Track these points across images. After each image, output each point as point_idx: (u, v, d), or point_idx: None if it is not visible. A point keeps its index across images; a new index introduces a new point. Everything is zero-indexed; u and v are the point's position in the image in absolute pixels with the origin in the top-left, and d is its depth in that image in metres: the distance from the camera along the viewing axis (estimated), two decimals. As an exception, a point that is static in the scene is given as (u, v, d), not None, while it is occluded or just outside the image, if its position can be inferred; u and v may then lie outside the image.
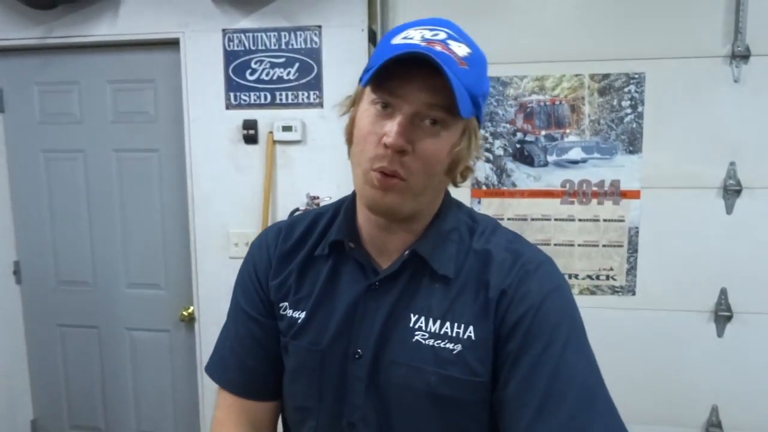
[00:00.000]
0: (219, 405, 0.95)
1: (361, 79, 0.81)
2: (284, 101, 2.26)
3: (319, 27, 2.21)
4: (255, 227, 2.32)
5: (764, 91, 1.98)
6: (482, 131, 2.11)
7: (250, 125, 2.27)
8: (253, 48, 2.25)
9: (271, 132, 2.26)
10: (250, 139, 2.28)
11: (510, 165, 2.15)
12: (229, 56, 2.27)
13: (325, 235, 0.89)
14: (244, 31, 2.25)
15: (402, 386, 0.80)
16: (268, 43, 2.24)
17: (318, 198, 2.23)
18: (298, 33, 2.22)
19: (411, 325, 0.81)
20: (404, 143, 0.73)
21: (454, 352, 0.79)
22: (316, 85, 2.23)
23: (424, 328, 0.80)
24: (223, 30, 2.26)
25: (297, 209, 2.24)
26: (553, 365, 0.74)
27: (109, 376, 2.63)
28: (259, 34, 2.24)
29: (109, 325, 2.60)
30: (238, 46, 2.26)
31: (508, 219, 2.14)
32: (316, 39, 2.21)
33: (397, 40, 0.75)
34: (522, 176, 2.14)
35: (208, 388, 2.46)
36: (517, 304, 0.78)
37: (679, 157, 2.04)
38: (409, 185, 0.76)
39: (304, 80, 2.24)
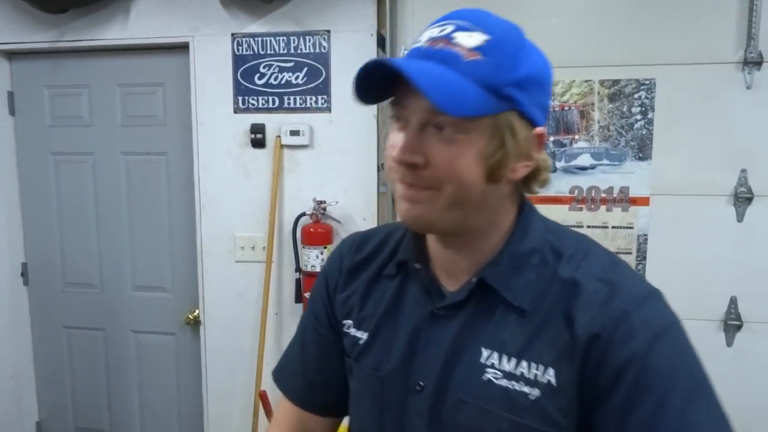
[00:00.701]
0: (281, 406, 0.94)
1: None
2: (292, 105, 2.26)
3: (328, 32, 2.21)
4: (261, 231, 2.32)
5: (776, 98, 1.96)
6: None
7: (257, 129, 2.27)
8: (261, 52, 2.26)
9: (279, 136, 2.26)
10: (258, 143, 2.28)
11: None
12: (238, 60, 2.28)
13: (395, 253, 0.83)
14: (253, 35, 2.26)
15: (469, 427, 0.72)
16: (276, 48, 2.25)
17: (325, 203, 2.22)
18: (307, 38, 2.22)
19: (482, 360, 0.72)
20: (409, 156, 0.67)
21: (531, 397, 0.68)
22: (324, 89, 2.23)
23: (497, 366, 0.71)
24: (233, 34, 2.27)
25: (303, 213, 2.24)
26: (673, 425, 0.62)
27: (115, 379, 2.64)
28: (268, 39, 2.25)
29: (116, 328, 2.60)
30: (246, 51, 2.27)
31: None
32: (324, 44, 2.21)
33: (414, 43, 0.71)
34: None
35: (213, 392, 2.46)
36: (617, 350, 0.65)
37: (689, 164, 2.02)
38: (439, 196, 0.68)
39: (312, 85, 2.24)
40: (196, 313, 2.46)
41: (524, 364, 0.69)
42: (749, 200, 2.00)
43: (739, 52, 1.96)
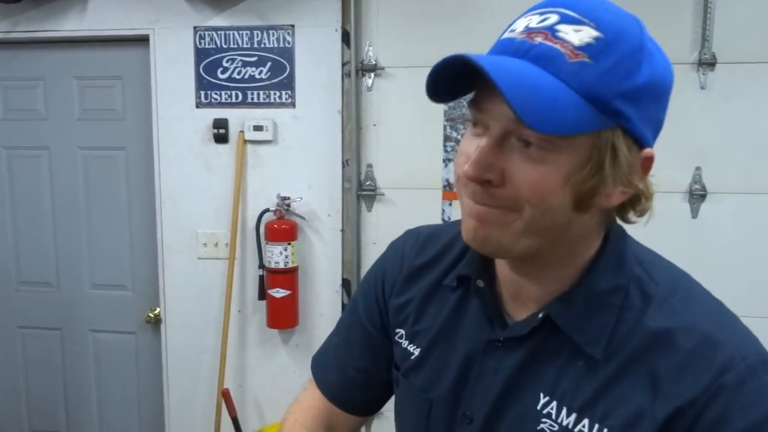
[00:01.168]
0: (308, 391, 0.89)
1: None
2: (256, 100, 2.23)
3: (292, 26, 2.19)
4: (224, 228, 2.29)
5: (729, 98, 2.02)
6: (457, 134, 2.11)
7: (220, 124, 2.24)
8: (224, 46, 2.23)
9: (242, 131, 2.23)
10: (221, 138, 2.25)
11: (481, 168, 2.15)
12: (200, 54, 2.24)
13: (458, 260, 0.74)
14: (215, 29, 2.22)
15: None
16: (240, 42, 2.22)
17: (289, 199, 2.21)
18: (271, 32, 2.20)
19: (538, 407, 0.63)
20: (482, 173, 0.56)
21: None
22: (288, 84, 2.21)
23: (554, 417, 0.62)
24: (195, 27, 2.23)
25: (267, 210, 2.22)
26: None
27: (72, 379, 2.56)
28: (231, 33, 2.22)
29: (73, 327, 2.53)
30: (209, 44, 2.23)
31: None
32: (289, 38, 2.20)
33: (505, 33, 0.59)
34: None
35: (174, 391, 2.42)
36: (705, 430, 0.55)
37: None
38: (516, 218, 0.57)
39: (276, 80, 2.21)
40: (156, 311, 2.41)
41: (586, 422, 0.60)
42: (703, 197, 2.06)
43: (694, 53, 2.01)
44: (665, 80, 0.58)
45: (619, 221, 0.65)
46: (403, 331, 0.78)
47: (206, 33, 2.23)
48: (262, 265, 2.23)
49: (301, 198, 2.23)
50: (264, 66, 2.22)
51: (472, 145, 0.58)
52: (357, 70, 2.16)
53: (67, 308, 2.52)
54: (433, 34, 2.12)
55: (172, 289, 2.36)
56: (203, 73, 2.25)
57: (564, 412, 0.61)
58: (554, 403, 0.62)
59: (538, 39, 0.54)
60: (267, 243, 2.19)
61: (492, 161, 0.56)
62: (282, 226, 2.18)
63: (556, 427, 0.61)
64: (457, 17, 2.11)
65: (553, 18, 0.54)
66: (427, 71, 2.13)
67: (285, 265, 2.17)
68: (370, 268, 0.87)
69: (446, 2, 2.11)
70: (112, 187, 2.43)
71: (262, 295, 2.24)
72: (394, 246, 0.84)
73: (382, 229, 2.24)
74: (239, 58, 2.23)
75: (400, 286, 0.79)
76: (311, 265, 2.29)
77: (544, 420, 0.62)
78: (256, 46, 2.22)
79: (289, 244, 2.18)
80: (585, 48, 0.53)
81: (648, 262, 0.64)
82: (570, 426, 0.60)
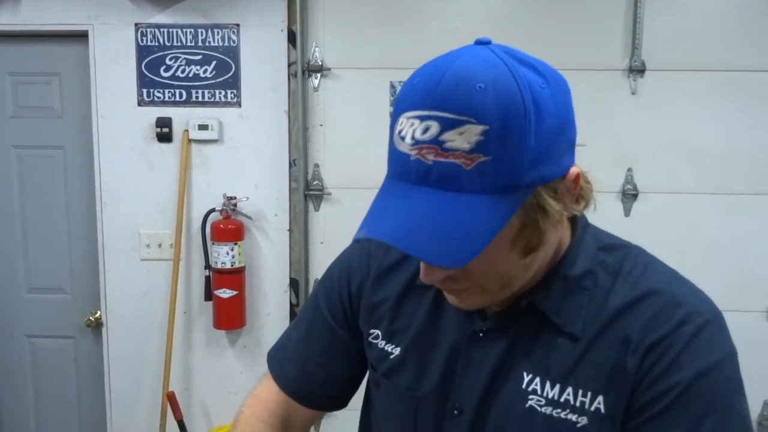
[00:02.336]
0: (264, 383, 0.88)
1: None
2: (200, 99, 2.21)
3: (237, 25, 2.18)
4: (168, 228, 2.25)
5: (658, 103, 2.14)
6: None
7: (163, 123, 2.20)
8: (167, 44, 2.19)
9: (187, 130, 2.20)
10: (164, 137, 2.21)
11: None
12: (142, 51, 2.20)
13: None
14: (158, 26, 2.19)
15: None
16: (183, 40, 2.19)
17: (235, 198, 2.19)
18: (216, 30, 2.18)
19: (523, 386, 0.67)
20: (434, 279, 0.62)
21: (578, 425, 0.64)
22: (234, 84, 2.20)
23: (539, 392, 0.66)
24: (136, 24, 2.19)
25: (213, 209, 2.20)
26: None
27: (7, 387, 2.46)
28: (175, 30, 2.19)
29: (7, 333, 2.43)
30: (151, 42, 2.19)
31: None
32: (234, 37, 2.18)
33: (396, 138, 0.58)
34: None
35: (117, 396, 2.36)
36: (661, 375, 0.62)
37: (580, 164, 2.15)
38: (484, 289, 0.64)
39: (221, 78, 2.20)
40: (97, 315, 2.34)
41: (570, 390, 0.65)
42: (635, 196, 2.17)
43: (625, 60, 2.12)
44: (563, 108, 0.59)
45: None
46: (378, 332, 0.78)
47: (148, 30, 2.19)
48: (208, 266, 2.21)
49: (248, 198, 2.22)
50: (209, 65, 2.20)
51: None
52: (303, 71, 2.17)
53: (0, 313, 2.41)
54: (379, 36, 2.15)
55: (114, 292, 2.31)
56: (145, 71, 2.21)
57: (548, 385, 0.66)
58: (537, 379, 0.66)
59: (431, 157, 0.54)
60: (213, 243, 2.17)
61: (438, 271, 0.61)
62: (228, 226, 2.16)
63: (543, 401, 0.66)
64: (401, 20, 2.15)
65: (435, 127, 0.54)
66: (372, 72, 2.19)
67: (232, 266, 2.16)
68: (332, 265, 0.87)
69: (391, 5, 2.15)
70: (49, 187, 2.35)
71: (209, 295, 2.22)
72: (356, 247, 0.84)
73: (330, 229, 2.26)
74: (183, 56, 2.20)
75: (371, 287, 0.79)
76: (258, 266, 2.28)
77: (531, 397, 0.66)
78: (200, 44, 2.19)
79: (236, 244, 2.17)
80: (476, 149, 0.53)
81: (609, 245, 0.71)
82: (555, 397, 0.65)
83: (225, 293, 2.17)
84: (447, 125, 0.53)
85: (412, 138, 0.55)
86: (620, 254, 0.70)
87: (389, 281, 0.79)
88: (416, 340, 0.75)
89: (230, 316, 2.22)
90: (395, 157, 0.58)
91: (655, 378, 0.62)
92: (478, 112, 0.53)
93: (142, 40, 2.19)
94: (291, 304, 2.30)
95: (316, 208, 2.25)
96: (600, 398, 0.64)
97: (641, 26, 2.09)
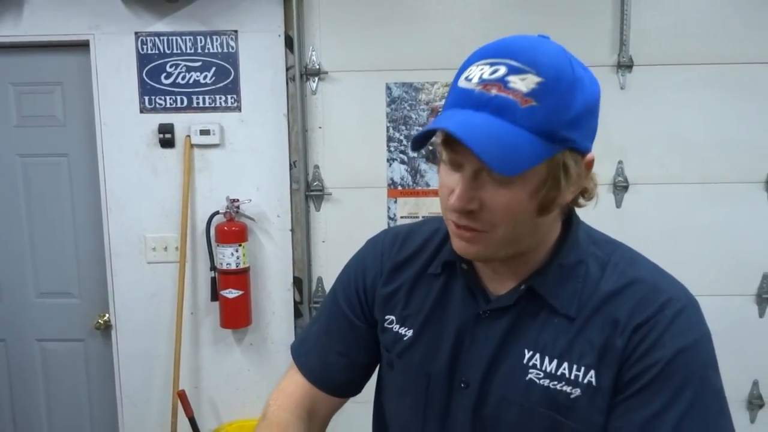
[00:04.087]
0: (289, 376, 0.96)
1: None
2: (201, 105, 2.26)
3: (236, 32, 2.23)
4: (174, 231, 2.31)
5: (646, 98, 2.21)
6: (400, 134, 2.22)
7: (166, 129, 2.26)
8: (167, 51, 2.24)
9: (189, 136, 2.26)
10: (167, 143, 2.27)
11: (423, 166, 2.26)
12: (143, 59, 2.25)
13: (439, 252, 0.85)
14: (158, 34, 2.24)
15: (513, 425, 0.76)
16: (183, 47, 2.24)
17: (238, 201, 2.25)
18: (215, 37, 2.23)
19: (524, 361, 0.76)
20: (466, 204, 0.68)
21: (572, 396, 0.72)
22: (233, 89, 2.25)
23: (539, 367, 0.75)
24: (136, 33, 2.24)
25: (217, 212, 2.25)
26: (669, 430, 0.68)
27: (19, 391, 2.52)
28: (174, 38, 2.24)
29: (18, 337, 2.49)
30: (152, 50, 2.24)
31: (423, 217, 2.26)
32: (232, 44, 2.23)
33: (461, 81, 0.69)
34: (435, 176, 2.26)
35: (127, 397, 2.42)
36: (646, 353, 0.70)
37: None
38: (493, 237, 0.71)
39: (221, 84, 2.25)
40: (106, 318, 2.40)
41: (566, 365, 0.73)
42: (626, 188, 2.24)
43: (614, 56, 2.19)
44: (595, 98, 0.71)
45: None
46: (393, 317, 0.87)
47: (148, 38, 2.24)
48: (213, 267, 2.27)
49: (251, 200, 2.27)
50: (208, 71, 2.25)
51: (450, 178, 0.70)
52: (301, 75, 2.22)
53: (10, 318, 2.47)
54: (373, 38, 2.21)
55: (121, 295, 2.37)
56: (146, 79, 2.26)
57: (546, 360, 0.74)
58: (537, 355, 0.75)
59: (494, 91, 0.65)
60: (218, 245, 2.23)
61: (472, 194, 0.68)
62: (232, 227, 2.22)
63: (542, 374, 0.74)
64: (394, 23, 2.21)
65: (503, 70, 0.65)
66: (368, 75, 2.27)
67: (237, 266, 2.22)
68: (348, 264, 0.96)
69: (384, 8, 2.21)
70: (55, 194, 2.40)
71: (215, 296, 2.28)
72: (372, 243, 0.95)
73: (331, 228, 2.32)
74: (183, 63, 2.25)
75: (386, 279, 0.89)
76: (262, 266, 2.34)
77: (530, 370, 0.75)
78: (199, 51, 2.24)
79: (240, 245, 2.23)
80: (531, 94, 0.64)
81: (599, 241, 0.81)
82: (553, 371, 0.74)
83: (231, 293, 2.23)
84: (513, 70, 0.65)
85: (480, 78, 0.66)
86: (609, 248, 0.80)
87: (401, 274, 0.88)
88: (427, 322, 0.84)
89: (236, 315, 2.28)
90: (456, 93, 0.69)
91: (641, 355, 0.70)
92: (539, 67, 0.65)
93: (142, 49, 2.24)
94: (295, 302, 2.37)
95: (317, 208, 2.31)
96: (592, 372, 0.72)
97: (628, 23, 2.15)
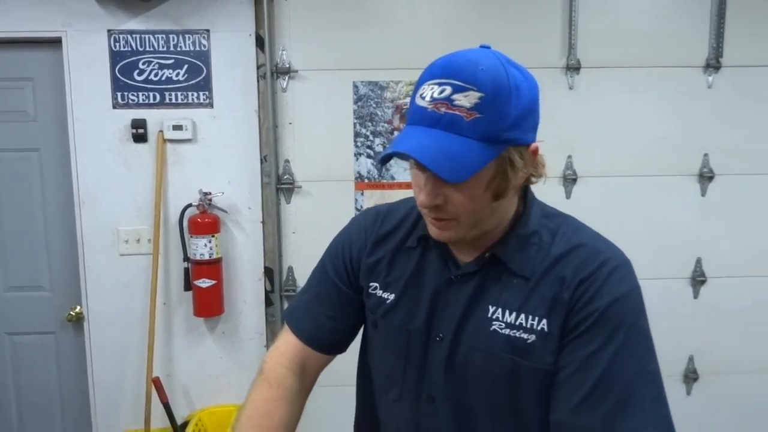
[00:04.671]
0: (283, 337, 1.08)
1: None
2: (174, 101, 2.34)
3: (207, 31, 2.32)
4: (146, 224, 2.38)
5: (592, 97, 2.40)
6: (366, 130, 2.34)
7: (139, 124, 2.32)
8: (140, 49, 2.31)
9: (161, 131, 2.33)
10: (140, 138, 2.33)
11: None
12: (116, 56, 2.31)
13: (415, 228, 0.99)
14: (130, 32, 2.30)
15: (480, 369, 0.90)
16: (156, 45, 2.31)
17: (210, 194, 2.33)
18: (187, 36, 2.31)
19: (489, 315, 0.89)
20: (432, 201, 0.82)
21: (528, 341, 0.86)
22: (206, 86, 2.33)
23: (501, 319, 0.88)
24: (109, 30, 2.29)
25: (190, 205, 2.33)
26: (605, 364, 0.81)
27: (-12, 385, 2.53)
28: (147, 36, 2.30)
29: (-13, 331, 2.50)
30: (124, 47, 2.30)
31: (389, 209, 2.39)
32: (204, 42, 2.32)
33: (418, 98, 0.81)
34: (399, 170, 2.40)
35: (99, 388, 2.47)
36: (587, 303, 0.84)
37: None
38: (460, 222, 0.85)
39: (193, 81, 2.33)
40: (78, 310, 2.44)
41: (523, 316, 0.87)
42: (575, 181, 2.43)
43: (562, 59, 2.37)
44: (533, 98, 0.83)
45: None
46: (377, 284, 1.01)
47: (121, 36, 2.30)
48: (186, 258, 2.35)
49: (223, 193, 2.36)
50: (181, 68, 2.33)
51: (419, 177, 0.84)
52: (272, 73, 2.32)
53: (-21, 313, 2.48)
54: (341, 39, 2.33)
55: (94, 287, 2.41)
56: (119, 75, 2.31)
57: (507, 313, 0.89)
58: (499, 310, 0.89)
59: (443, 109, 0.78)
60: (191, 236, 2.31)
61: (437, 191, 0.82)
62: (205, 219, 2.30)
63: (503, 325, 0.89)
64: (361, 25, 2.33)
65: (448, 90, 0.78)
66: (336, 74, 2.45)
67: (210, 257, 2.31)
68: (335, 239, 1.10)
69: (352, 11, 2.33)
70: (25, 188, 2.43)
71: (188, 286, 2.36)
72: (356, 220, 1.09)
73: (301, 219, 2.43)
74: (155, 60, 2.32)
75: (370, 249, 1.03)
76: (234, 256, 2.44)
77: (494, 322, 0.89)
78: (172, 49, 2.32)
79: (213, 236, 2.31)
80: (474, 107, 0.77)
81: (550, 214, 0.96)
82: (512, 322, 0.88)
83: (204, 283, 2.32)
84: (457, 89, 0.77)
85: (431, 97, 0.79)
86: (558, 220, 0.95)
87: (383, 246, 1.02)
88: (406, 287, 0.98)
89: (210, 304, 2.37)
90: (415, 110, 0.81)
91: (583, 305, 0.85)
92: (479, 83, 0.77)
93: (115, 46, 2.30)
94: (266, 291, 2.46)
95: (288, 201, 2.42)
96: (544, 321, 0.87)
97: (576, 28, 2.34)
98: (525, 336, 0.87)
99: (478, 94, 0.77)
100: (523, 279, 0.89)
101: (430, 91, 0.79)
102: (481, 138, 0.77)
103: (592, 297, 0.85)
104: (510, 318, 0.88)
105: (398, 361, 0.98)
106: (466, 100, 0.77)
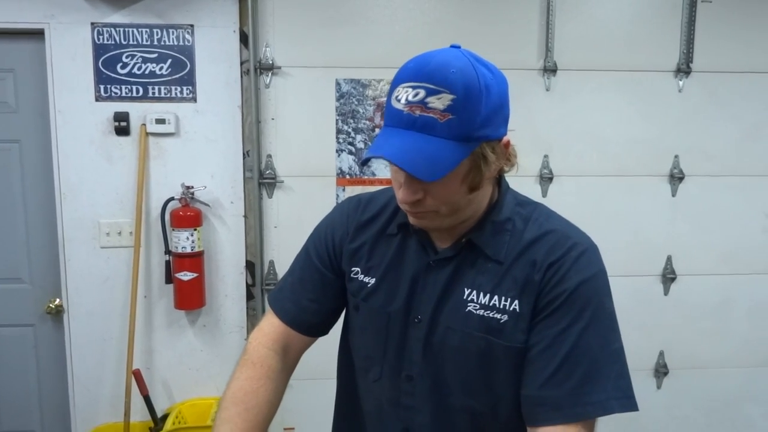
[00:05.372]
0: (267, 319, 1.11)
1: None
2: (157, 95, 2.35)
3: (192, 26, 2.34)
4: (128, 217, 2.39)
5: (568, 99, 2.47)
6: (348, 127, 2.38)
7: (121, 117, 2.33)
8: (124, 42, 2.32)
9: (144, 124, 2.34)
10: (122, 131, 2.34)
11: (370, 157, 2.44)
12: (99, 49, 2.31)
13: (395, 216, 1.03)
14: (114, 25, 2.31)
15: (456, 348, 0.94)
16: (139, 39, 2.32)
17: (193, 187, 2.35)
18: (171, 30, 2.33)
19: (464, 297, 0.94)
20: (411, 197, 0.87)
21: (501, 321, 0.91)
22: (189, 80, 2.35)
23: (475, 300, 0.93)
24: (92, 23, 2.30)
25: (172, 198, 2.35)
26: (572, 341, 0.87)
27: (-36, 377, 2.52)
28: (131, 30, 2.32)
29: (-36, 324, 2.48)
30: (108, 40, 2.31)
31: (369, 204, 2.43)
32: (188, 37, 2.34)
33: (393, 100, 0.84)
34: (380, 166, 2.45)
35: (79, 381, 2.47)
36: (556, 284, 0.89)
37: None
38: (438, 214, 0.90)
39: (177, 75, 2.35)
40: (57, 302, 2.44)
41: (496, 297, 0.92)
42: (551, 179, 2.50)
43: (540, 61, 2.44)
44: (502, 94, 0.87)
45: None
46: (358, 269, 1.06)
47: (104, 29, 2.31)
48: (168, 251, 2.36)
49: (205, 187, 2.38)
50: (164, 63, 2.34)
51: (398, 174, 0.89)
52: (255, 69, 2.35)
53: (-45, 305, 2.47)
54: (324, 37, 2.37)
55: (74, 279, 2.41)
56: (102, 68, 2.32)
57: (481, 295, 0.94)
58: (474, 292, 0.94)
59: (417, 112, 0.81)
60: (173, 229, 2.33)
61: (415, 188, 0.87)
62: (187, 213, 2.32)
63: (478, 306, 0.93)
64: (344, 23, 2.38)
65: (422, 93, 0.81)
66: (319, 71, 2.51)
67: (192, 250, 2.32)
68: (319, 225, 1.14)
69: (335, 9, 2.37)
70: (5, 180, 2.42)
71: (169, 279, 2.37)
72: (339, 208, 1.13)
73: (283, 214, 2.46)
74: (139, 54, 2.33)
75: (352, 236, 1.07)
76: (216, 250, 2.46)
77: (469, 304, 0.94)
78: (156, 43, 2.33)
79: (195, 229, 2.33)
80: (447, 109, 0.80)
81: (523, 202, 1.00)
82: (486, 303, 0.93)
83: (186, 275, 2.33)
84: (430, 92, 0.81)
85: (406, 99, 0.82)
86: (530, 208, 1.00)
87: (365, 232, 1.07)
88: (387, 272, 1.02)
89: (191, 297, 2.38)
90: (391, 112, 0.85)
91: (552, 286, 0.91)
92: (450, 86, 0.80)
93: (98, 39, 2.31)
94: (247, 285, 2.49)
95: (270, 195, 2.45)
96: (516, 302, 0.92)
97: (553, 32, 2.41)
98: (498, 316, 0.92)
99: (450, 97, 0.80)
100: (497, 263, 0.94)
101: (405, 94, 0.82)
102: (454, 138, 0.81)
103: (561, 279, 0.90)
104: (484, 299, 0.93)
105: (378, 342, 1.02)
106: (440, 102, 0.80)
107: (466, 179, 0.86)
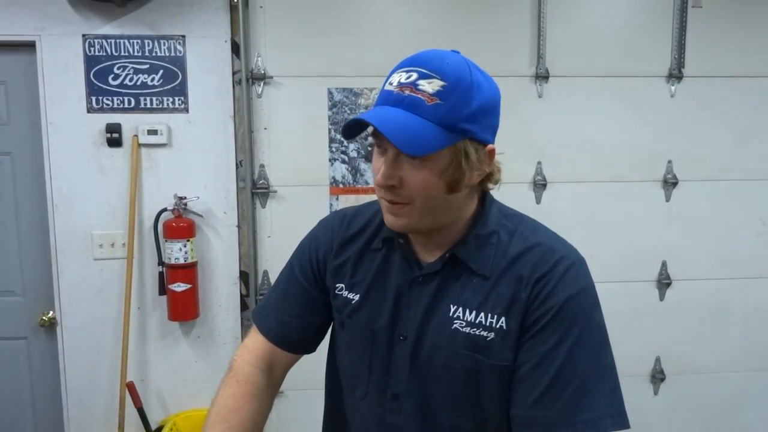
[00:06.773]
0: (251, 336, 1.10)
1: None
2: (149, 106, 2.35)
3: (183, 37, 2.34)
4: (121, 228, 2.38)
5: (560, 106, 2.47)
6: (341, 136, 2.38)
7: (113, 129, 2.33)
8: (115, 54, 2.32)
9: (136, 135, 2.34)
10: (114, 142, 2.34)
11: (363, 165, 2.44)
12: (91, 61, 2.31)
13: (380, 230, 1.01)
14: (105, 37, 2.31)
15: (442, 366, 0.92)
16: (131, 50, 2.32)
17: (185, 198, 2.35)
18: (162, 41, 2.33)
19: (450, 314, 0.92)
20: (387, 180, 0.85)
21: (488, 339, 0.89)
22: (181, 91, 2.35)
23: (461, 318, 0.91)
24: (83, 35, 2.30)
25: (165, 209, 2.34)
26: (562, 359, 0.85)
27: (-43, 391, 2.50)
28: (122, 41, 2.32)
29: (-44, 337, 2.47)
30: (99, 52, 2.31)
31: (363, 213, 2.43)
32: (180, 48, 2.34)
33: (387, 85, 0.86)
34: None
35: (73, 393, 2.46)
36: (543, 301, 0.88)
37: (500, 158, 2.47)
38: (414, 208, 0.87)
39: (169, 86, 2.35)
40: (50, 315, 2.43)
41: (482, 314, 0.90)
42: (544, 186, 2.50)
43: (532, 68, 2.44)
44: (493, 99, 0.87)
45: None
46: (342, 285, 1.03)
47: (96, 41, 2.31)
48: (161, 262, 2.35)
49: (198, 197, 2.38)
50: (156, 73, 2.34)
51: (378, 161, 0.88)
52: (247, 79, 2.35)
53: (-52, 318, 2.45)
54: (316, 47, 2.37)
55: (67, 291, 2.40)
56: (94, 80, 2.32)
57: (467, 312, 0.91)
58: (460, 308, 0.92)
59: (407, 91, 0.83)
60: (166, 240, 2.32)
61: (392, 172, 0.85)
62: (180, 223, 2.32)
63: (464, 323, 0.91)
64: (336, 32, 2.38)
65: (414, 75, 0.83)
66: (311, 80, 2.51)
67: (185, 261, 2.32)
68: (303, 241, 1.12)
69: (326, 18, 2.38)
70: (-3, 193, 2.42)
71: (163, 290, 2.36)
72: (324, 223, 1.11)
73: (276, 224, 2.45)
74: (131, 65, 2.33)
75: (336, 252, 1.05)
76: (209, 260, 2.45)
77: (455, 321, 0.92)
78: (147, 54, 2.33)
79: (188, 240, 2.32)
80: (436, 94, 0.81)
81: (509, 214, 0.98)
82: (473, 320, 0.91)
83: (179, 287, 2.33)
84: (422, 76, 0.82)
85: (398, 82, 0.84)
86: (516, 220, 0.98)
87: (349, 248, 1.04)
88: (371, 288, 1.00)
89: (185, 309, 2.37)
90: (383, 94, 0.86)
91: (540, 302, 0.88)
92: (443, 73, 0.82)
93: (90, 51, 2.31)
94: (241, 295, 2.48)
95: (263, 205, 2.44)
96: (503, 319, 0.89)
97: (544, 39, 2.41)
98: (485, 334, 0.90)
99: (441, 83, 0.81)
100: (482, 278, 0.92)
101: (398, 78, 0.84)
102: (439, 122, 0.81)
103: (548, 295, 0.88)
104: (470, 317, 0.91)
105: (363, 360, 1.00)
106: (430, 86, 0.81)
107: (445, 173, 0.85)
